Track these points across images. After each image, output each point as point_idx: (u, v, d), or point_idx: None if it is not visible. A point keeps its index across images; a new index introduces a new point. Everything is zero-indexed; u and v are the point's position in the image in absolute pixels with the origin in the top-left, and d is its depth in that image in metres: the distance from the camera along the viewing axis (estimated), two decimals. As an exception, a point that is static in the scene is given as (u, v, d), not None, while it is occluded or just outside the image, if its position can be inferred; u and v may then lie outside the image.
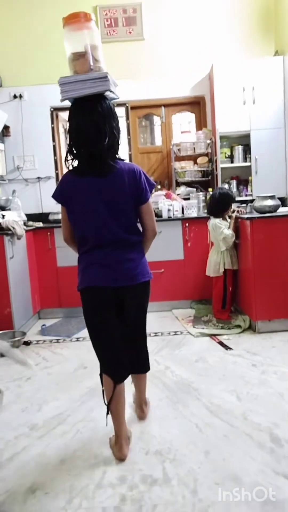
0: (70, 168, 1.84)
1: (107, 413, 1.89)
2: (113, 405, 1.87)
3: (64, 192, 1.83)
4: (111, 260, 1.82)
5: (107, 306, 1.85)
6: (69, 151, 1.80)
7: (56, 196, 1.85)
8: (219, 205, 3.58)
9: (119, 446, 1.86)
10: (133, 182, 1.82)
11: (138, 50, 4.56)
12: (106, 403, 1.89)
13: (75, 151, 1.79)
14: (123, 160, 1.87)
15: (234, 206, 3.75)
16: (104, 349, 1.91)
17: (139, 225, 1.94)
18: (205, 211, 4.21)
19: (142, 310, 2.00)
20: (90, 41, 1.76)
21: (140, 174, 1.86)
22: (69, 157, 1.82)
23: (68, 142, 1.80)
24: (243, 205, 4.05)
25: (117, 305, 1.88)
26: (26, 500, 1.61)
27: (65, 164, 1.83)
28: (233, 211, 3.66)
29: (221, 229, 3.47)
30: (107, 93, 1.79)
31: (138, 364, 2.07)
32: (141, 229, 1.95)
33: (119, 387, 1.87)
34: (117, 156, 1.84)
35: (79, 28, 1.74)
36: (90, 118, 1.72)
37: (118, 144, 1.83)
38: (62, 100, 1.78)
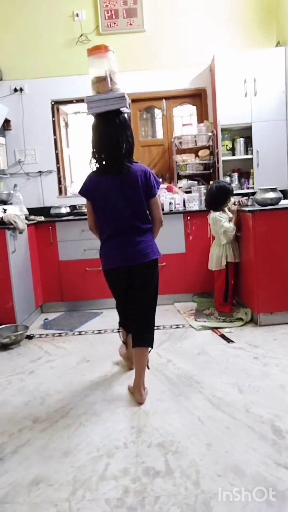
0: (94, 169, 2.24)
1: (124, 343, 2.66)
2: (128, 340, 2.55)
3: (89, 189, 2.24)
4: (127, 244, 2.23)
5: (124, 283, 2.33)
6: (93, 155, 2.22)
7: (83, 192, 2.27)
8: (217, 199, 3.56)
9: (130, 360, 2.59)
10: (144, 180, 2.21)
11: (139, 42, 4.52)
12: (123, 340, 2.66)
13: (97, 156, 2.20)
14: (136, 162, 2.26)
15: (233, 199, 3.74)
16: (119, 311, 2.58)
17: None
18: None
19: (152, 284, 2.32)
20: (109, 68, 2.20)
21: (150, 173, 2.25)
22: (93, 160, 2.23)
23: (91, 148, 2.21)
24: (245, 197, 4.04)
25: (133, 281, 2.29)
26: (30, 492, 1.62)
27: (89, 166, 2.24)
28: (234, 203, 3.65)
29: (221, 222, 3.47)
30: (122, 108, 2.19)
31: (142, 336, 2.34)
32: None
33: (130, 335, 2.47)
34: (131, 159, 2.23)
35: (100, 57, 2.19)
36: (110, 129, 2.15)
37: (132, 149, 2.23)
38: (88, 114, 2.21)
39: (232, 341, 3.06)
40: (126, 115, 2.23)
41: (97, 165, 2.22)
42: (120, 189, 2.18)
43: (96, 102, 2.16)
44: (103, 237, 2.31)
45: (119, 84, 2.21)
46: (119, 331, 2.69)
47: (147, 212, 2.28)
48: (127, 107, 2.22)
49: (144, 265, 2.24)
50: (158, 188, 2.28)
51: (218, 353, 2.87)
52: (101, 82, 2.19)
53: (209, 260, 3.71)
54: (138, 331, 2.34)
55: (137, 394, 2.28)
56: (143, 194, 2.21)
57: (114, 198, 2.18)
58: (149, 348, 2.37)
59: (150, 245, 2.27)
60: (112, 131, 2.15)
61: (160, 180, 4.63)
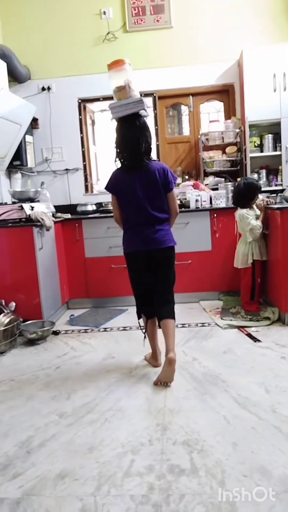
0: (118, 167, 2.53)
1: (144, 337, 2.71)
2: (148, 330, 2.69)
3: (114, 184, 2.54)
4: (147, 232, 2.51)
5: (143, 265, 2.59)
6: (116, 154, 2.51)
7: (108, 188, 2.56)
8: (245, 196, 3.51)
9: (155, 357, 2.70)
10: (163, 176, 2.49)
11: (166, 39, 4.50)
12: (143, 331, 2.70)
13: (120, 155, 2.49)
14: (155, 160, 2.57)
15: (261, 196, 3.67)
16: (138, 295, 2.70)
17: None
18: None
19: (170, 267, 2.63)
20: (126, 77, 2.49)
21: (168, 170, 2.53)
22: (117, 159, 2.51)
23: (115, 148, 2.50)
24: (273, 195, 3.97)
25: (151, 264, 2.58)
26: (56, 485, 1.64)
27: (115, 164, 2.55)
28: (262, 200, 3.60)
29: (248, 219, 3.42)
30: (141, 112, 2.46)
31: (164, 311, 2.60)
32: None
33: (151, 321, 2.68)
34: (150, 157, 2.51)
35: (118, 70, 2.51)
36: (131, 131, 2.43)
37: (151, 149, 2.50)
38: (112, 119, 2.49)
39: (259, 340, 3.02)
40: (144, 119, 2.51)
41: (120, 163, 2.52)
42: (140, 184, 2.46)
43: (118, 108, 2.44)
44: (126, 227, 2.61)
45: (136, 91, 2.50)
46: (141, 329, 2.73)
47: (165, 204, 2.55)
48: (145, 110, 2.49)
49: (161, 250, 2.54)
50: (175, 184, 2.57)
51: (244, 352, 2.83)
52: (121, 91, 2.48)
53: (234, 258, 3.67)
54: (161, 307, 2.61)
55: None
56: (162, 188, 2.50)
57: (135, 193, 2.47)
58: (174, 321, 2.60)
59: (167, 234, 2.58)
60: (133, 133, 2.43)
61: (187, 177, 4.62)
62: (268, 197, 3.77)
